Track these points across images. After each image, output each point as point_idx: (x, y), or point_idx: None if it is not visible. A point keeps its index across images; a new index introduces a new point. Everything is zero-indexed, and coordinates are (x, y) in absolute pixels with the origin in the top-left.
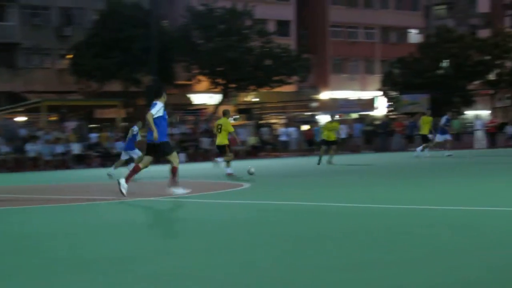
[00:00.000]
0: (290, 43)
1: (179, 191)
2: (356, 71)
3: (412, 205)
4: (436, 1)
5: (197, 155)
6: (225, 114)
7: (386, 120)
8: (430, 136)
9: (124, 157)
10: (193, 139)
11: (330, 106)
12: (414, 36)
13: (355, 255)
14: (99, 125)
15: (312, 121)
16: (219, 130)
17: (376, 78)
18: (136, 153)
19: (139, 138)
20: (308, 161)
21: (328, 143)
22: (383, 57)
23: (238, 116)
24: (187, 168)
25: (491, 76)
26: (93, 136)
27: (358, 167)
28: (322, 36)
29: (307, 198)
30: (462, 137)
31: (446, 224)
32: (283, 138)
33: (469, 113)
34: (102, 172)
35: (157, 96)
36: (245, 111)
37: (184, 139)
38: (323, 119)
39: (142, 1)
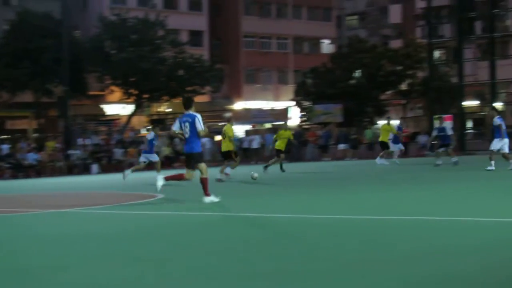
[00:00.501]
0: (203, 53)
1: (209, 199)
2: (269, 81)
3: (322, 214)
4: (348, 11)
5: (110, 166)
6: (229, 120)
7: (300, 130)
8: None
9: (142, 159)
10: (106, 150)
11: (244, 116)
12: (327, 46)
13: (263, 266)
14: (10, 136)
15: None
16: (223, 137)
17: (289, 88)
18: (154, 157)
19: (156, 142)
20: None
21: (278, 151)
22: (296, 67)
23: (150, 127)
24: (100, 179)
25: (403, 86)
26: (5, 148)
27: (274, 176)
28: (235, 46)
29: (218, 209)
30: (374, 147)
31: (350, 234)
32: None
33: (382, 123)
34: (13, 184)
35: (188, 107)
36: (159, 121)
37: (97, 150)
38: (236, 129)
39: (53, 11)
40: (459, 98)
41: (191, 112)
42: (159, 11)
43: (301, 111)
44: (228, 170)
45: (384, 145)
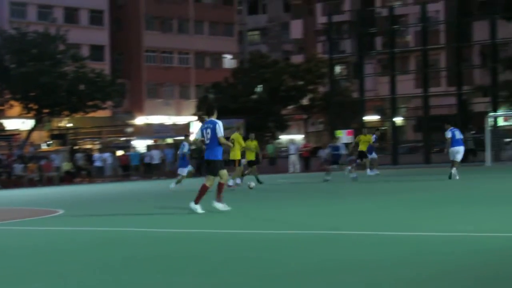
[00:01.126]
0: (104, 68)
1: (219, 206)
2: (171, 96)
3: (215, 229)
4: (250, 27)
5: (9, 182)
6: (238, 129)
7: (201, 145)
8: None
9: (182, 172)
10: (6, 165)
11: (146, 131)
12: (229, 61)
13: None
14: None
15: (127, 146)
16: (233, 145)
17: (192, 103)
18: (184, 171)
19: (188, 152)
20: (124, 186)
21: (249, 162)
22: (198, 82)
23: (51, 142)
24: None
25: (305, 101)
26: None
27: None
28: (137, 61)
29: (121, 224)
30: (276, 162)
31: (244, 249)
32: (97, 164)
33: (283, 138)
34: None
35: (211, 113)
36: (59, 136)
37: None
38: (138, 144)
39: None
40: (360, 113)
41: (213, 118)
42: (59, 25)
43: None
44: (232, 182)
45: (363, 155)
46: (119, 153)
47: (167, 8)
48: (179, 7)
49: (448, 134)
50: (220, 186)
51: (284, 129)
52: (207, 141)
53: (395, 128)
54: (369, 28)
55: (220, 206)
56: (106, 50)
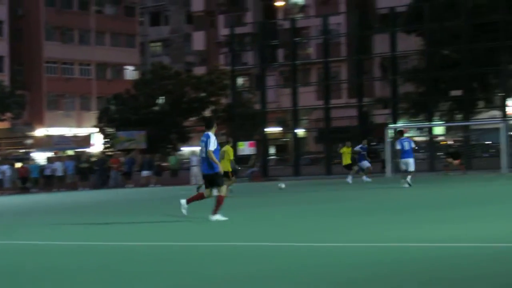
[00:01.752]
0: (3, 79)
1: (215, 217)
2: (71, 108)
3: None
4: (152, 38)
5: None
6: (228, 142)
7: (103, 157)
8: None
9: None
10: None
11: (46, 143)
12: (131, 72)
13: None
14: None
15: (26, 158)
16: (222, 158)
17: (92, 115)
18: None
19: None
20: (22, 199)
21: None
22: (99, 93)
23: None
24: None
25: (207, 113)
26: None
27: (77, 204)
28: (37, 72)
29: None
30: (179, 173)
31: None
32: None
33: (186, 149)
34: None
35: (209, 127)
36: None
37: None
38: (38, 156)
39: None
40: (262, 125)
41: (209, 132)
42: None
43: (104, 138)
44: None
45: (349, 167)
46: (18, 165)
47: (67, 18)
48: (80, 18)
49: (398, 146)
50: (219, 199)
51: (186, 140)
52: (203, 154)
53: (297, 139)
54: (271, 40)
55: (217, 217)
56: (6, 61)
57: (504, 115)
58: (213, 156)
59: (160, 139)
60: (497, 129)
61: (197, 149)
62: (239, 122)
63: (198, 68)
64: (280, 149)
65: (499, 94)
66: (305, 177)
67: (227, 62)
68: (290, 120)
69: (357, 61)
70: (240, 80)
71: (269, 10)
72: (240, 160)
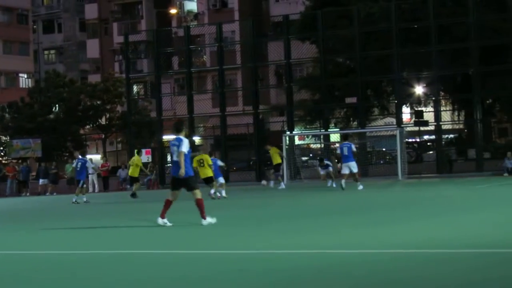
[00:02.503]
0: None
1: (207, 221)
2: None
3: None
4: (46, 46)
5: None
6: (204, 149)
7: None
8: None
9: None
10: None
11: None
12: (25, 80)
13: None
14: None
15: None
16: (202, 165)
17: None
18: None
19: (220, 164)
20: None
21: (133, 179)
22: None
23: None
24: None
25: (102, 121)
26: None
27: None
28: None
29: None
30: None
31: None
32: None
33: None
34: None
35: (179, 131)
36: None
37: None
38: None
39: None
40: (158, 132)
41: (181, 136)
42: None
43: None
44: (213, 191)
45: (277, 167)
46: None
47: None
48: None
49: (338, 150)
50: (199, 202)
51: (82, 148)
52: (175, 158)
53: (193, 147)
54: (166, 48)
55: (206, 222)
56: None
57: (399, 122)
58: (182, 158)
59: (56, 147)
60: (393, 136)
61: (94, 157)
62: (135, 130)
63: (92, 76)
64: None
65: (394, 102)
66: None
67: (122, 69)
68: (185, 127)
69: (252, 69)
70: (135, 88)
71: (163, 18)
72: None
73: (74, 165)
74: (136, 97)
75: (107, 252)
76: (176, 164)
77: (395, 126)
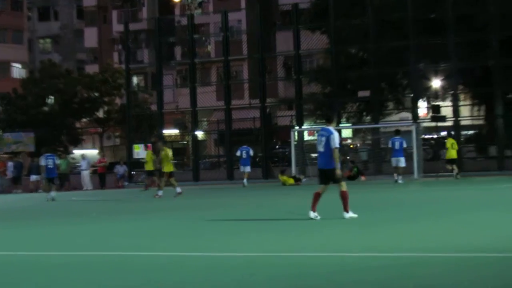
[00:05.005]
0: None
1: (349, 214)
2: None
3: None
4: (41, 34)
5: None
6: (165, 143)
7: None
8: None
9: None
10: None
11: None
12: (18, 70)
13: None
14: None
15: None
16: (167, 159)
17: None
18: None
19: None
20: None
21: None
22: None
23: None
24: None
25: (100, 114)
26: None
27: None
28: None
29: None
30: (70, 178)
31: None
32: None
33: (77, 152)
34: None
35: (329, 121)
36: None
37: None
38: None
39: None
40: (159, 126)
41: (331, 127)
42: None
43: None
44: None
45: None
46: None
47: None
48: None
49: (389, 144)
50: (343, 194)
51: (77, 143)
52: (321, 149)
53: (196, 142)
54: (168, 37)
55: (348, 215)
56: None
57: (415, 117)
58: (337, 154)
59: (50, 142)
60: (408, 132)
61: (90, 152)
62: (134, 124)
63: (90, 66)
64: (178, 152)
65: (409, 95)
66: (205, 182)
67: (121, 60)
68: (188, 121)
69: (259, 60)
70: (135, 79)
71: (166, 5)
72: (136, 164)
73: (43, 163)
74: (136, 89)
75: (106, 253)
76: (323, 156)
77: (411, 121)
